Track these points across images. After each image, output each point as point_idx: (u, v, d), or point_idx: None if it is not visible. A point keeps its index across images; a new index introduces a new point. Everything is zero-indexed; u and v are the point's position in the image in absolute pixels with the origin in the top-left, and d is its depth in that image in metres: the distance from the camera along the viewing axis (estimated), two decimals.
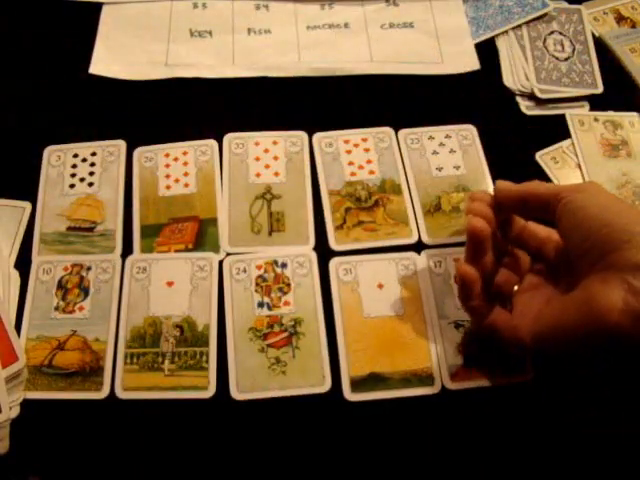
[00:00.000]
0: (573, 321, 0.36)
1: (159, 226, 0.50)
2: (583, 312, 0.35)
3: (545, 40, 0.61)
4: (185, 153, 0.53)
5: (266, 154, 0.53)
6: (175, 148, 0.54)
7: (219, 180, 0.52)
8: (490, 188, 0.52)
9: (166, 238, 0.49)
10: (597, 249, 0.36)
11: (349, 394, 0.43)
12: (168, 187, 0.52)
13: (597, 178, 0.53)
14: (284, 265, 0.48)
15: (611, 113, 0.57)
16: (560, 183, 0.53)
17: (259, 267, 0.48)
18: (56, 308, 0.46)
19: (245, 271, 0.48)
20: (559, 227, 0.39)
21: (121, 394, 0.43)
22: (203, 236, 0.49)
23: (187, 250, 0.48)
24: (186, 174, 0.52)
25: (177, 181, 0.52)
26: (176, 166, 0.53)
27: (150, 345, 0.45)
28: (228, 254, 0.48)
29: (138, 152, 0.53)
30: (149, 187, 0.52)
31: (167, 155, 0.53)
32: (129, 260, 0.48)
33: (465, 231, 0.41)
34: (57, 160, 0.53)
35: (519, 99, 0.58)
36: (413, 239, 0.50)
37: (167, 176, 0.52)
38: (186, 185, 0.52)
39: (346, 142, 0.54)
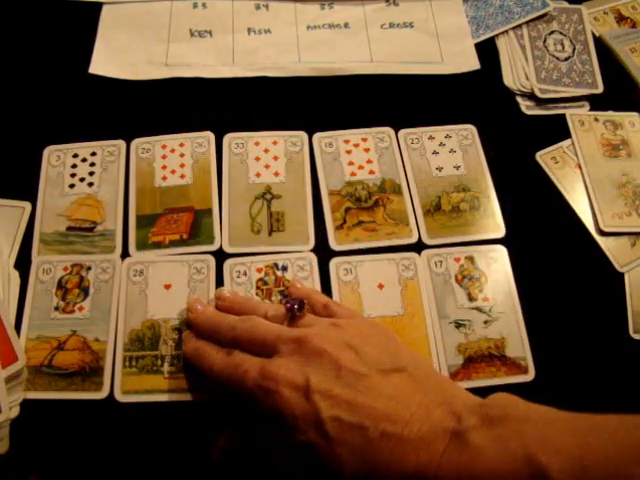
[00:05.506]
0: None
1: (155, 216, 0.50)
2: None
3: (545, 40, 0.61)
4: (182, 145, 0.53)
5: (266, 154, 0.53)
6: (172, 140, 0.54)
7: (215, 172, 0.52)
8: (490, 188, 0.52)
9: (161, 228, 0.49)
10: None
11: None
12: (164, 178, 0.52)
13: (597, 178, 0.53)
14: (284, 268, 0.48)
15: (611, 113, 0.57)
16: (560, 183, 0.53)
17: (259, 270, 0.48)
18: (56, 308, 0.46)
19: (246, 274, 0.47)
20: None
21: (120, 397, 0.43)
22: (198, 227, 0.49)
23: (182, 240, 0.49)
24: (182, 165, 0.52)
25: (173, 172, 0.52)
26: (173, 157, 0.53)
27: (149, 348, 0.44)
28: (228, 254, 0.48)
29: (135, 143, 0.53)
30: (145, 178, 0.52)
31: (164, 146, 0.53)
32: (125, 263, 0.47)
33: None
34: (57, 160, 0.53)
35: (519, 99, 0.58)
36: (413, 239, 0.50)
37: (163, 167, 0.52)
38: (182, 176, 0.52)
39: (346, 142, 0.54)
